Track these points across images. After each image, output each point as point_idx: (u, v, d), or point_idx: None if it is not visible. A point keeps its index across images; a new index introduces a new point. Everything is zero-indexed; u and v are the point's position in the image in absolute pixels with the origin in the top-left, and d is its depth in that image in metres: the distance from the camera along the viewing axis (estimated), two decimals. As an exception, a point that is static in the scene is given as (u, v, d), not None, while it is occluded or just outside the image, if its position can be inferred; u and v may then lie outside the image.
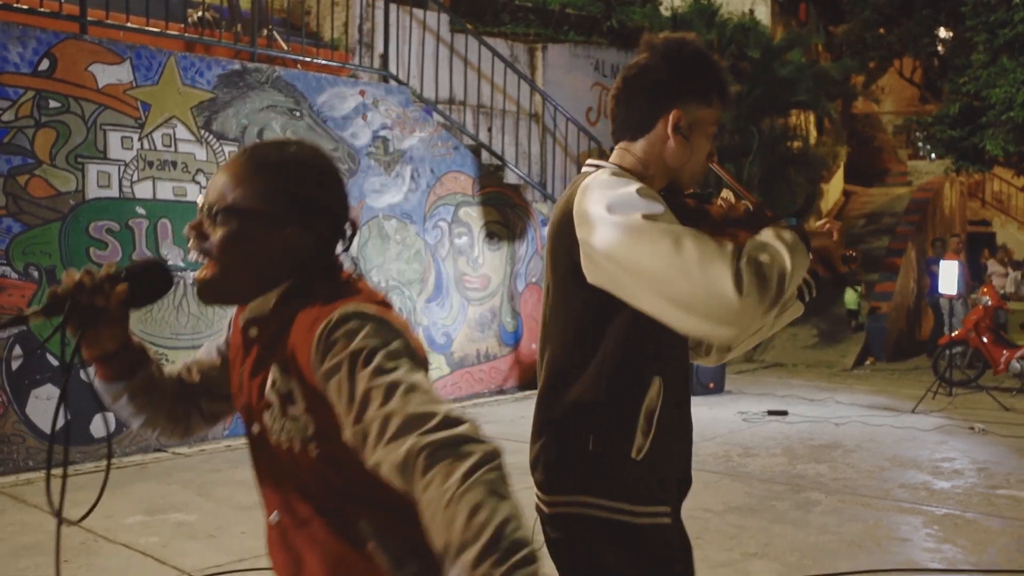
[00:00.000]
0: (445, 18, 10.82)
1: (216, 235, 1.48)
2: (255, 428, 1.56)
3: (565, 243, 1.83)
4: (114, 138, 6.92)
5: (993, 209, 23.01)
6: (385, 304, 1.50)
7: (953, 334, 10.36)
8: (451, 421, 1.30)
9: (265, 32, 9.07)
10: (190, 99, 7.36)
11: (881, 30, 18.90)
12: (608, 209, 1.73)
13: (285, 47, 9.05)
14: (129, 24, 7.45)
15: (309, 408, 1.45)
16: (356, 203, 8.43)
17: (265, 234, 1.49)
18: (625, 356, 1.82)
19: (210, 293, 1.52)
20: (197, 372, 1.77)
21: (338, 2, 10.21)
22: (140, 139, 7.06)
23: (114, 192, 6.88)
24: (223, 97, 7.58)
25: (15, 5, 6.86)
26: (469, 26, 10.60)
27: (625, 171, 1.88)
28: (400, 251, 8.82)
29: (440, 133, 9.36)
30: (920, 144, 23.13)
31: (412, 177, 9.01)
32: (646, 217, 1.70)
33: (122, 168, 6.93)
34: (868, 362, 12.87)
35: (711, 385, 9.79)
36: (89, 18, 7.16)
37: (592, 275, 1.79)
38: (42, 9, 7.00)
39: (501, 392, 9.68)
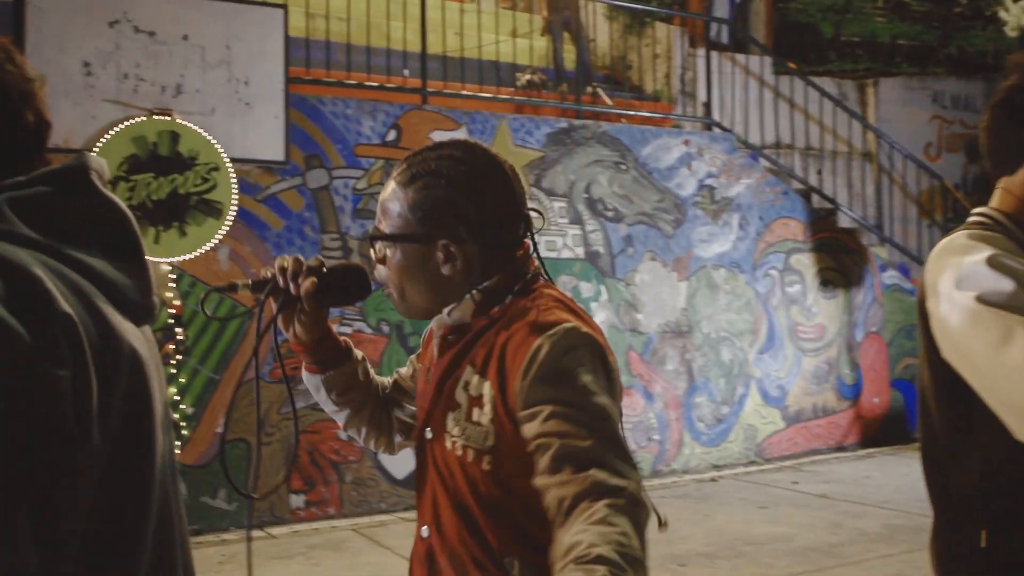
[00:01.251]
0: (767, 61, 10.54)
1: (378, 260, 1.56)
2: (429, 433, 1.55)
3: (922, 310, 1.65)
4: (453, 199, 7.27)
5: None
6: (594, 325, 1.48)
7: None
8: (627, 470, 1.30)
9: (590, 89, 9.27)
10: (521, 159, 7.62)
11: None
12: (955, 283, 1.53)
13: (609, 102, 9.19)
14: (464, 92, 7.87)
15: (496, 418, 1.42)
16: (684, 253, 8.32)
17: (419, 254, 1.51)
18: (1008, 444, 1.48)
19: (401, 311, 1.59)
20: (392, 382, 1.83)
21: (659, 54, 10.26)
22: (476, 199, 7.37)
23: (454, 250, 7.22)
24: (551, 155, 7.78)
25: (366, 84, 7.46)
26: (792, 65, 10.24)
27: (998, 222, 1.64)
28: (730, 301, 8.57)
29: (767, 179, 9.05)
30: None
31: (740, 225, 8.76)
32: (981, 300, 1.46)
33: (461, 227, 7.26)
34: None
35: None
36: (429, 89, 7.63)
37: (944, 352, 1.58)
38: (389, 85, 7.56)
39: (841, 449, 9.08)
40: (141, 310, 1.17)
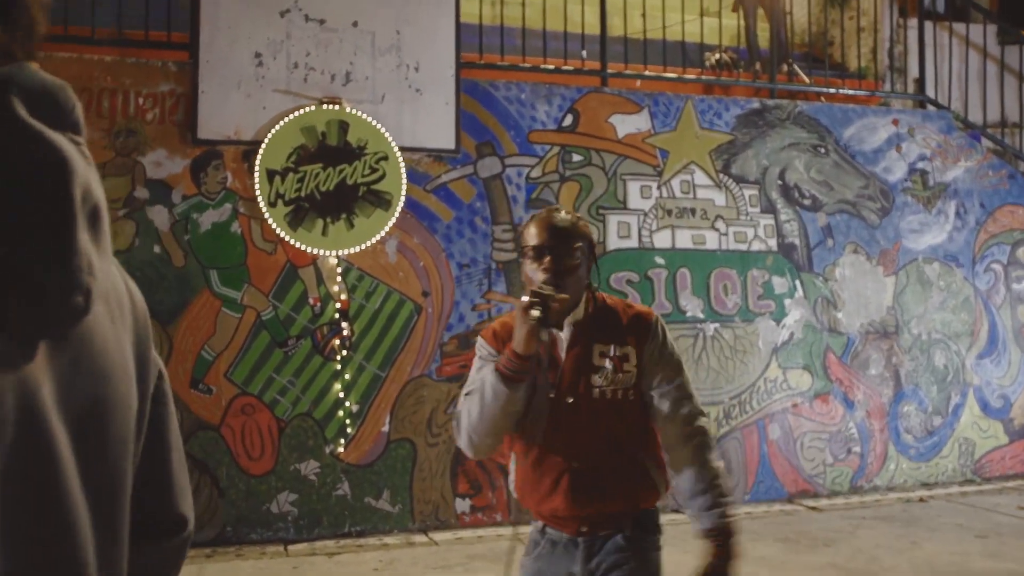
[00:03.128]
0: (992, 29, 9.44)
1: (570, 269, 2.37)
2: (570, 398, 2.39)
3: None
4: (633, 187, 6.80)
5: None
6: None
7: None
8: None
9: (785, 68, 8.54)
10: (708, 143, 7.04)
11: None
12: None
13: (807, 80, 8.43)
14: (647, 72, 7.36)
15: (638, 365, 2.43)
16: (891, 245, 7.49)
17: (586, 265, 2.45)
18: None
19: (559, 317, 2.30)
20: None
21: (864, 27, 9.36)
22: (659, 187, 6.87)
23: (633, 242, 6.74)
24: (742, 138, 7.16)
25: (541, 67, 7.07)
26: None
27: None
28: (944, 299, 7.65)
29: (990, 161, 8.05)
30: None
31: (957, 213, 7.82)
32: None
33: (641, 217, 6.78)
34: None
35: None
36: (609, 71, 7.17)
37: None
38: (566, 68, 7.15)
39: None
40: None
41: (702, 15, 8.44)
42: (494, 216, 6.45)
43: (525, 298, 2.22)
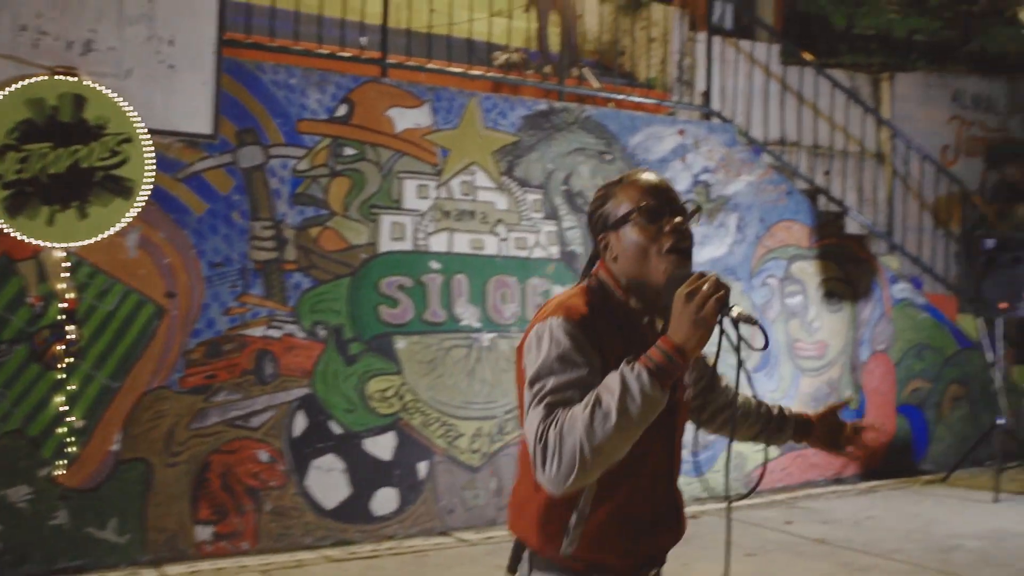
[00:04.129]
0: (775, 49, 9.61)
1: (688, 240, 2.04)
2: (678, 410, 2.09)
3: None
4: (410, 186, 6.36)
5: None
6: None
7: None
8: None
9: (575, 72, 8.35)
10: (492, 143, 6.69)
11: None
12: None
13: (596, 84, 8.26)
14: (431, 66, 6.95)
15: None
16: (672, 256, 7.39)
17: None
18: None
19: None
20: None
21: (655, 38, 9.33)
22: (437, 187, 6.46)
23: (408, 245, 6.29)
24: (527, 140, 6.86)
25: (315, 52, 6.53)
26: (806, 56, 9.31)
27: None
28: (722, 312, 7.63)
29: (770, 176, 8.13)
30: None
31: (738, 227, 7.83)
32: None
33: (417, 219, 6.34)
34: None
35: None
36: (389, 60, 6.71)
37: None
38: (343, 53, 6.64)
39: (839, 481, 8.17)
40: None
41: (492, 14, 8.13)
42: (254, 211, 5.85)
43: (707, 284, 1.80)
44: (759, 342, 1.89)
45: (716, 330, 1.81)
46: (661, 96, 8.58)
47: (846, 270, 8.57)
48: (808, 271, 8.29)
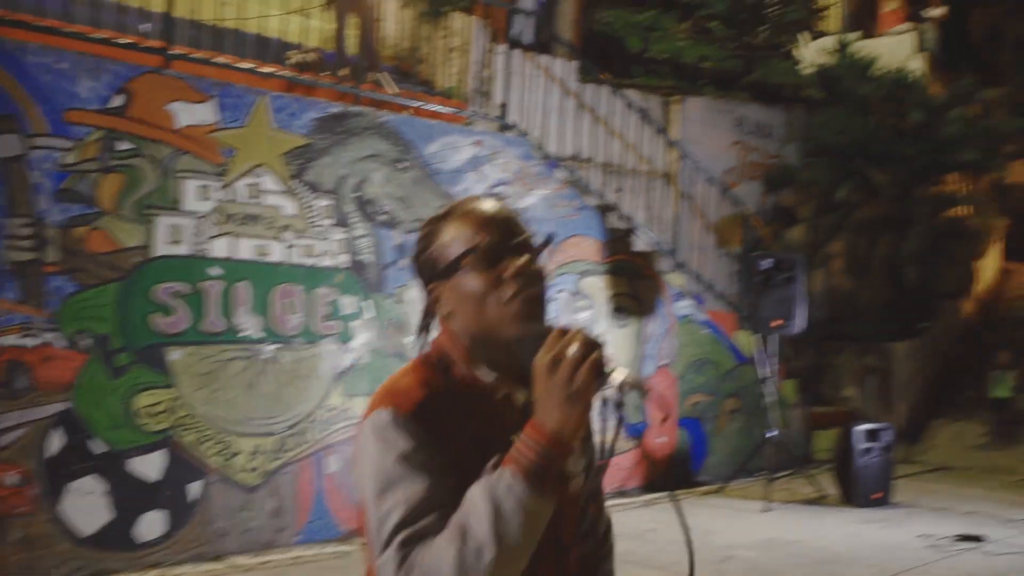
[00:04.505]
0: (573, 66, 9.77)
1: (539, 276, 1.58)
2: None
3: None
4: (190, 187, 5.96)
5: None
6: None
7: None
8: None
9: (373, 76, 8.15)
10: (281, 144, 6.39)
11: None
12: None
13: (394, 89, 8.09)
14: (219, 60, 6.58)
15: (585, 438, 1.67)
16: (466, 269, 7.31)
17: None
18: None
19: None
20: None
21: (455, 48, 9.27)
22: (221, 188, 6.09)
23: (186, 249, 5.90)
24: (319, 143, 6.59)
25: (90, 36, 6.04)
26: (603, 76, 9.50)
27: None
28: (514, 325, 7.62)
29: (564, 191, 8.21)
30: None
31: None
32: None
33: (197, 221, 5.96)
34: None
35: (877, 495, 8.22)
36: (174, 51, 6.29)
37: None
38: (121, 40, 6.18)
39: (622, 493, 8.33)
40: None
41: (287, 11, 7.83)
42: (11, 207, 5.30)
43: (573, 346, 1.36)
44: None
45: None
46: (459, 106, 8.51)
47: (634, 286, 8.78)
48: (598, 286, 8.44)
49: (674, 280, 9.21)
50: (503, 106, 8.47)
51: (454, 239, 1.56)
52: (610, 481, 8.28)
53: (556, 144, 9.03)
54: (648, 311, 8.90)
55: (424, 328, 1.67)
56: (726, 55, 13.23)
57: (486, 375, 1.57)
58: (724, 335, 9.52)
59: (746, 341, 9.57)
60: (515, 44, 9.16)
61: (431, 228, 1.62)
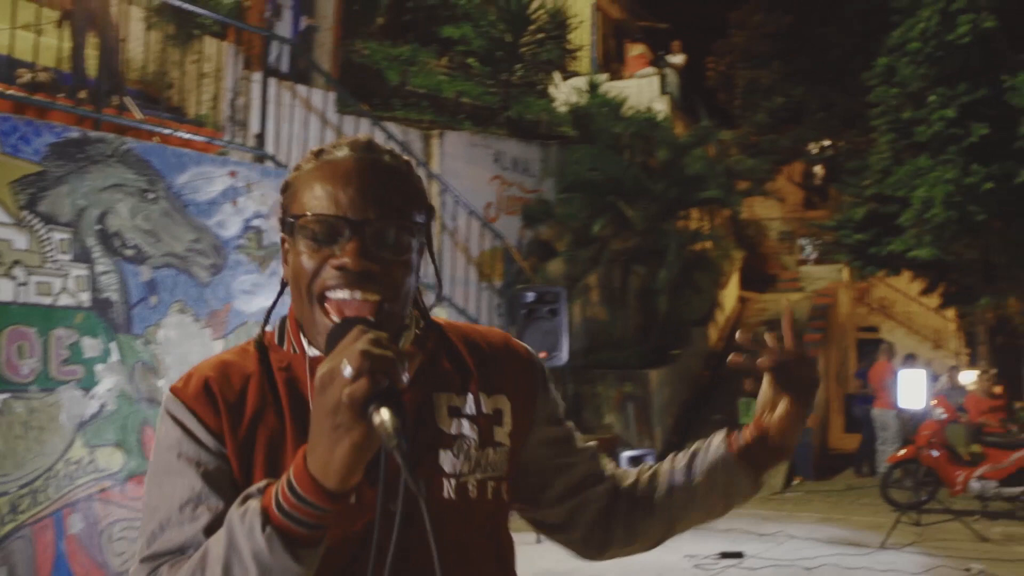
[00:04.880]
0: (332, 97, 9.56)
1: (395, 256, 1.24)
2: (393, 505, 1.06)
3: None
4: (-102, 218, 5.25)
5: (880, 315, 22.86)
6: None
7: (901, 452, 9.45)
8: None
9: (116, 101, 7.59)
10: (10, 171, 5.76)
11: (775, 135, 18.64)
12: None
13: (139, 115, 7.57)
14: (-67, 77, 5.88)
15: (514, 432, 1.36)
16: (221, 306, 6.88)
17: (420, 248, 1.32)
18: None
19: (387, 329, 1.13)
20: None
21: (207, 73, 8.83)
22: (-64, 220, 5.41)
23: None
24: (55, 171, 6.00)
25: None
26: (364, 106, 9.34)
27: None
28: (275, 364, 7.24)
29: (326, 224, 7.95)
30: (807, 249, 23.02)
31: (292, 275, 7.53)
32: None
33: (-93, 257, 5.25)
34: (795, 481, 11.84)
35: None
36: None
37: None
38: None
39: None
40: None
41: (16, 26, 7.16)
42: None
43: (348, 368, 1.01)
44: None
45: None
46: (213, 134, 8.08)
47: (399, 321, 8.62)
48: (363, 322, 8.21)
49: (438, 314, 9.13)
50: (260, 136, 8.13)
51: (307, 188, 1.27)
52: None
53: (316, 176, 8.76)
54: (414, 346, 8.76)
55: (280, 291, 1.40)
56: (484, 91, 13.45)
57: (308, 350, 1.30)
58: (489, 368, 9.53)
59: (511, 373, 9.62)
60: (272, 72, 8.85)
61: (302, 163, 1.34)
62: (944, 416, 9.48)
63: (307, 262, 1.24)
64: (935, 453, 9.25)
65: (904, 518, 8.48)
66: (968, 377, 13.61)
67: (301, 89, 9.27)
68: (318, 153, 1.32)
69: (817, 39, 17.76)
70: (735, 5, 20.37)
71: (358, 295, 1.21)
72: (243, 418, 1.25)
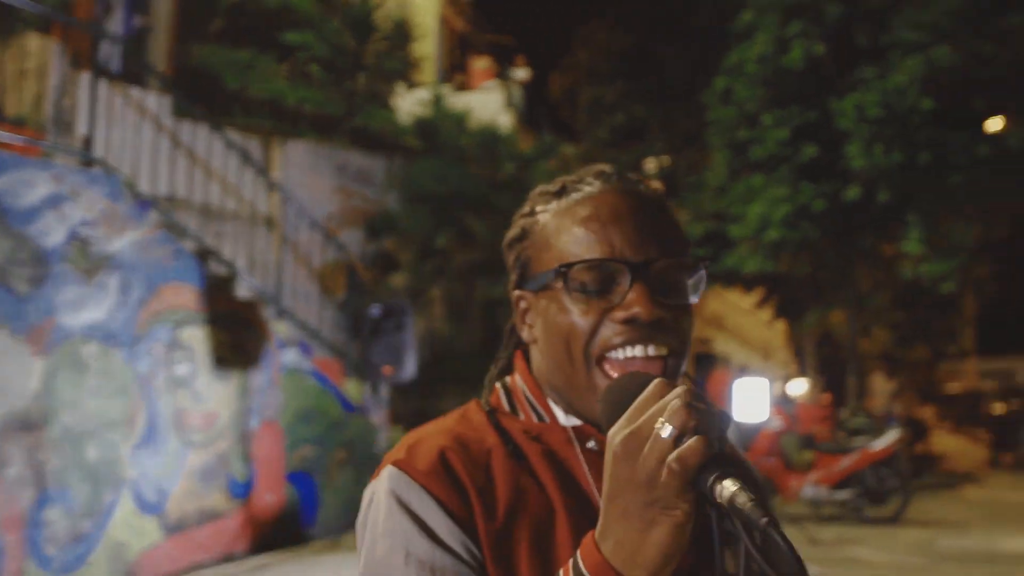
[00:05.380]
0: (167, 101, 9.11)
1: (681, 301, 1.07)
2: None
3: None
4: None
5: (713, 327, 23.70)
6: None
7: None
8: None
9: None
10: None
11: (617, 151, 19.04)
12: None
13: (-51, 114, 7.01)
14: None
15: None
16: (42, 320, 6.40)
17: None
18: None
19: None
20: None
21: (28, 70, 8.26)
22: None
23: None
24: None
25: None
26: (200, 112, 8.95)
27: None
28: (100, 384, 6.80)
29: (158, 235, 7.54)
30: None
31: (121, 288, 7.10)
32: None
33: None
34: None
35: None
36: None
37: None
38: None
39: (229, 559, 7.75)
40: None
41: None
42: None
43: (668, 428, 0.82)
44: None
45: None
46: (34, 136, 7.56)
47: (237, 336, 8.28)
48: (197, 336, 7.83)
49: (278, 329, 8.83)
50: (87, 139, 7.66)
51: (561, 233, 1.09)
52: (212, 546, 7.67)
53: (149, 183, 8.33)
54: (252, 362, 8.43)
55: (506, 353, 1.21)
56: (327, 99, 13.17)
57: (565, 418, 1.10)
58: (332, 384, 9.29)
59: (355, 389, 9.41)
60: (102, 72, 8.36)
61: (537, 205, 1.15)
62: (780, 426, 9.86)
63: (580, 319, 1.04)
64: (771, 461, 9.61)
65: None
66: (798, 387, 14.23)
67: (134, 91, 8.80)
68: (559, 192, 1.13)
69: (659, 59, 18.27)
70: (580, 23, 20.77)
71: (651, 350, 1.03)
72: (497, 502, 1.01)
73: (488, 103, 16.25)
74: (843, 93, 12.53)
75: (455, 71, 19.87)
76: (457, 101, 14.74)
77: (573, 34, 21.03)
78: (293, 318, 9.21)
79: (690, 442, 0.81)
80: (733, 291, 18.33)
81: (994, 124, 14.83)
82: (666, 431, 0.82)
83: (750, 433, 10.70)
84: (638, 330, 1.03)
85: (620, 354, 1.03)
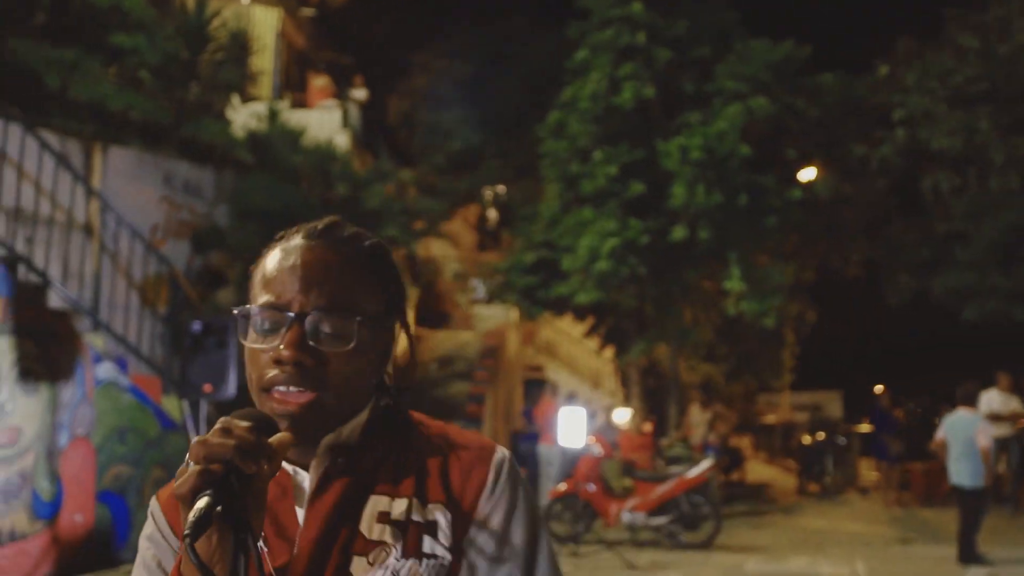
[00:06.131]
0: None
1: (333, 350, 1.20)
2: None
3: None
4: None
5: (545, 355, 24.09)
6: None
7: (561, 487, 9.92)
8: None
9: None
10: None
11: (453, 177, 19.19)
12: None
13: None
14: None
15: (454, 546, 1.21)
16: None
17: (381, 341, 1.28)
18: None
19: (313, 423, 1.20)
20: None
21: None
22: None
23: None
24: None
25: None
26: (14, 111, 8.46)
27: None
28: None
29: (-38, 237, 7.08)
30: (478, 290, 23.83)
31: (-84, 293, 6.61)
32: None
33: None
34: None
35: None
36: None
37: None
38: None
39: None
40: None
41: None
42: None
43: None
44: None
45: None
46: None
47: (46, 348, 7.83)
48: (2, 348, 7.37)
49: (94, 342, 8.41)
50: None
51: (259, 276, 1.29)
52: (13, 570, 7.19)
53: (-47, 183, 7.81)
54: (62, 376, 7.98)
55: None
56: (155, 107, 12.70)
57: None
58: (150, 401, 8.90)
59: (174, 407, 9.05)
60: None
61: (265, 249, 1.32)
62: (600, 452, 10.11)
63: (251, 354, 1.24)
64: (592, 487, 9.83)
65: (563, 549, 8.89)
66: (621, 416, 14.64)
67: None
68: (280, 239, 1.31)
69: (495, 90, 18.56)
70: (419, 47, 20.86)
71: (293, 390, 1.19)
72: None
73: (325, 122, 16.07)
74: (669, 135, 13.09)
75: (293, 88, 19.57)
76: (293, 118, 14.50)
77: (412, 59, 21.15)
78: (110, 331, 8.80)
79: (190, 472, 1.05)
80: (564, 320, 18.71)
81: (807, 174, 15.86)
82: (187, 482, 1.05)
83: (573, 459, 10.94)
84: (285, 371, 1.20)
85: (276, 389, 1.21)
